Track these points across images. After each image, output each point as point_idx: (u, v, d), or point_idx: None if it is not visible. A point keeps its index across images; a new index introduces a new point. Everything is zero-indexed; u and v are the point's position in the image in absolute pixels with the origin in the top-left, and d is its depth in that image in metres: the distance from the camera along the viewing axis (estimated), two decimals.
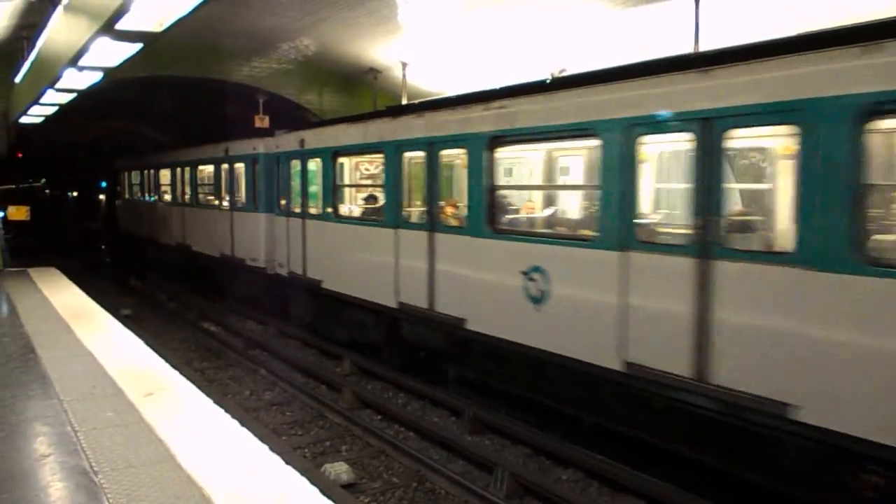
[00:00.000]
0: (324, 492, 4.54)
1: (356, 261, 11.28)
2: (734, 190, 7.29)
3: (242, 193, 15.89)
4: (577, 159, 10.09)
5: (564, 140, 8.87)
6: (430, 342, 10.08)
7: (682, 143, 6.73)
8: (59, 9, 10.11)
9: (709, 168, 6.20)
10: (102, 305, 11.38)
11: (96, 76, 10.69)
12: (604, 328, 7.03)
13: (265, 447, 5.22)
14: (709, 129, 6.18)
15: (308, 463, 7.81)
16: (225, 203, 16.96)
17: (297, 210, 13.29)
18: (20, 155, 31.82)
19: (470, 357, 9.37)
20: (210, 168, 17.98)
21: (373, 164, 12.49)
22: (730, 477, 6.50)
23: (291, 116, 18.26)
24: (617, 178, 6.96)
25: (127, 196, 27.24)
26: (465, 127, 8.91)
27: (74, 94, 13.08)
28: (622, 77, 7.13)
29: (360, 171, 13.08)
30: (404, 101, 17.13)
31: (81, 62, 9.30)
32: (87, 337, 8.83)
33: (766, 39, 6.27)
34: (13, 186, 50.85)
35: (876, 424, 5.08)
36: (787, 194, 6.15)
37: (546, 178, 10.38)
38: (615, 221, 6.97)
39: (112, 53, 8.74)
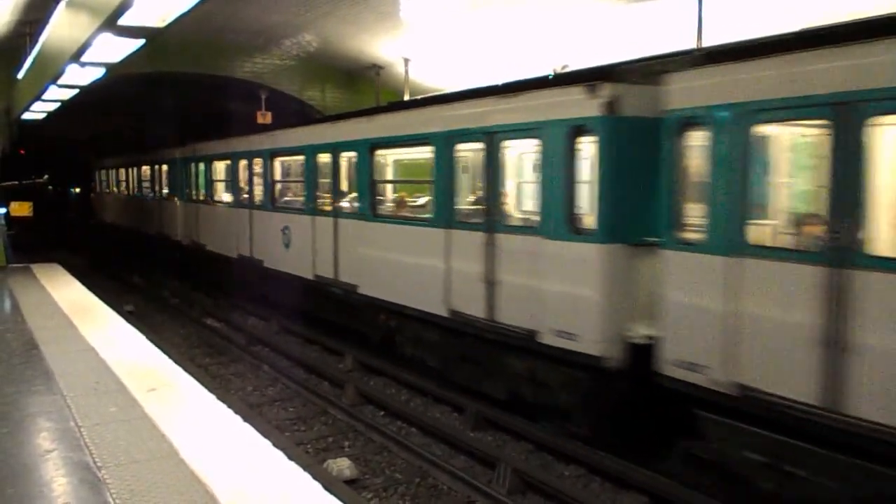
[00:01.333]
0: (326, 487, 4.55)
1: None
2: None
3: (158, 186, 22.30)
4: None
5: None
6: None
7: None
8: (62, 4, 10.12)
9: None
10: (105, 301, 11.41)
11: (98, 72, 10.69)
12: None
13: (268, 443, 5.23)
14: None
15: (311, 459, 7.82)
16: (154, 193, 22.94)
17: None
18: (22, 151, 31.88)
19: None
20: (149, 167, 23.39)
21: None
22: (729, 477, 6.49)
23: (294, 112, 18.26)
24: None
25: (98, 190, 32.98)
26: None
27: (77, 90, 13.09)
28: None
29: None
30: (406, 98, 17.13)
31: (84, 58, 9.31)
32: (90, 333, 8.84)
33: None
34: (16, 183, 50.94)
35: (386, 292, 10.49)
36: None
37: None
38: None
39: (114, 49, 8.74)
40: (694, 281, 6.36)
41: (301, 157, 13.34)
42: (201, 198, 18.59)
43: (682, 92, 6.47)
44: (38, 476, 4.72)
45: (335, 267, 11.88)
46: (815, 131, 6.04)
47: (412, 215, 10.94)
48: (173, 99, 20.60)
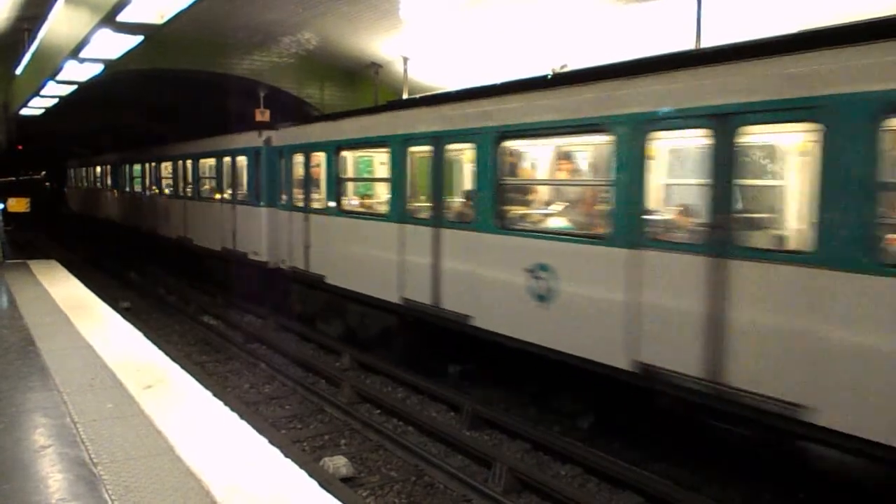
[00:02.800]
0: (322, 485, 4.55)
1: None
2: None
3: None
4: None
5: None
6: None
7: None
8: (60, 0, 10.10)
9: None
10: (102, 298, 11.39)
11: (97, 68, 10.69)
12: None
13: (264, 440, 5.23)
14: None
15: (307, 456, 7.82)
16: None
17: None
18: (20, 147, 31.81)
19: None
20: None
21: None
22: (730, 474, 6.52)
23: (292, 110, 18.25)
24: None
25: (72, 185, 40.48)
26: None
27: (75, 87, 13.07)
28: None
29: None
30: (405, 96, 17.12)
31: (82, 54, 9.31)
32: (86, 329, 8.83)
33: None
34: (13, 179, 50.87)
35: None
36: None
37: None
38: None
39: (113, 45, 8.74)
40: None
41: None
42: (137, 189, 25.57)
43: (279, 138, 14.45)
44: (34, 472, 4.71)
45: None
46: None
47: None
48: (171, 96, 20.59)
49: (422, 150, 10.03)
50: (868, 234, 5.15)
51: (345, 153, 12.30)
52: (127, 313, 12.61)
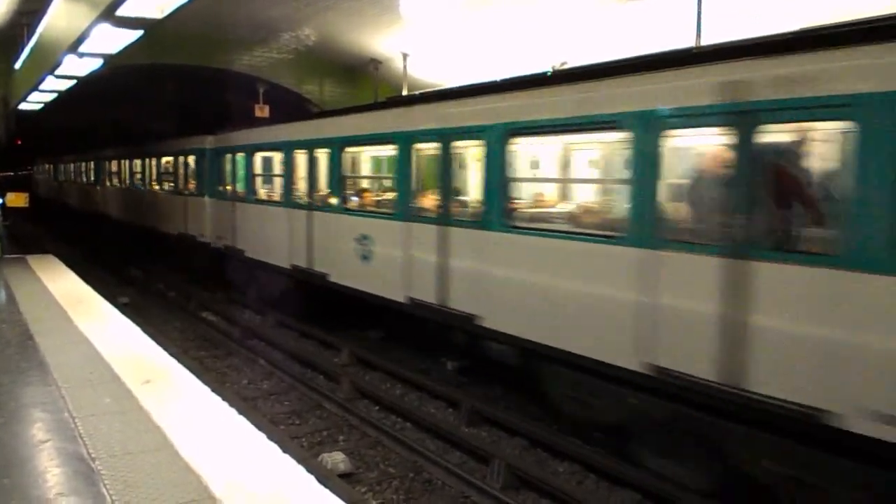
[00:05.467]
0: (321, 481, 4.55)
1: None
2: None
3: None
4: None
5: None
6: None
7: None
8: None
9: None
10: (100, 293, 11.38)
11: (96, 63, 10.68)
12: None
13: (263, 436, 5.23)
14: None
15: (305, 452, 7.82)
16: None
17: None
18: (19, 142, 31.78)
19: None
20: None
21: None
22: (729, 473, 6.52)
23: (292, 106, 18.24)
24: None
25: (42, 176, 48.17)
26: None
27: (74, 81, 13.06)
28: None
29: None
30: (405, 93, 17.10)
31: (82, 49, 9.30)
32: (85, 324, 8.83)
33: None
34: (12, 174, 50.79)
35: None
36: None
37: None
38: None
39: (112, 40, 8.73)
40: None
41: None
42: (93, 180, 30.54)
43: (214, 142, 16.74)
44: (33, 467, 4.72)
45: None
46: None
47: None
48: (170, 91, 20.57)
49: (303, 151, 12.98)
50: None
51: (256, 155, 14.99)
52: (125, 308, 12.60)
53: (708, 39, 9.93)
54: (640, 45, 11.70)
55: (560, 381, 7.83)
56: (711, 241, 5.98)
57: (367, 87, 18.33)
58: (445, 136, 9.09)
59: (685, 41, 10.16)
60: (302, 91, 18.83)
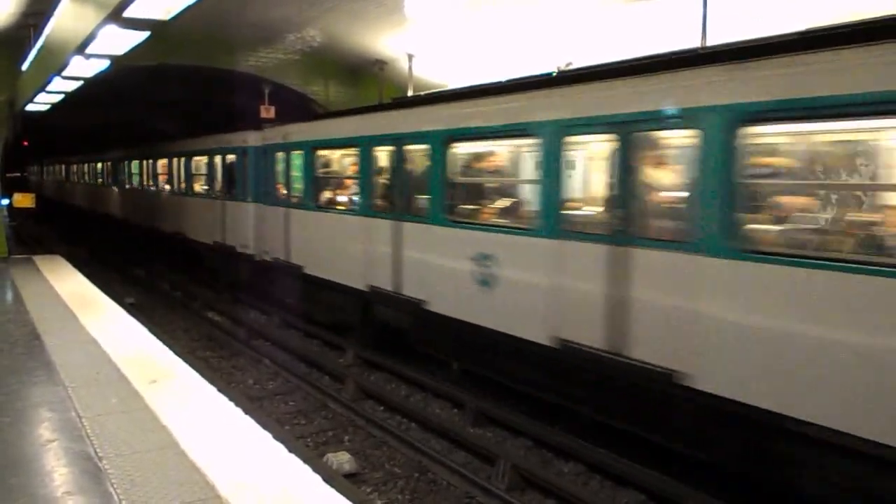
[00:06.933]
0: (326, 480, 4.56)
1: None
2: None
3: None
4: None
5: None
6: None
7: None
8: None
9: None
10: (107, 294, 11.42)
11: (103, 64, 10.71)
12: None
13: (268, 436, 5.25)
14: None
15: (311, 452, 7.84)
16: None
17: None
18: (26, 143, 31.90)
19: None
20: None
21: None
22: (731, 473, 6.51)
23: (297, 107, 18.25)
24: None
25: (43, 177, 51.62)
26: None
27: (81, 82, 13.10)
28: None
29: None
30: (410, 94, 17.10)
31: (88, 50, 9.32)
32: (91, 324, 8.86)
33: None
34: (18, 175, 51.01)
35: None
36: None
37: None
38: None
39: (119, 41, 8.76)
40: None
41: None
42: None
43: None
44: (40, 466, 4.74)
45: None
46: None
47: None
48: (176, 92, 20.59)
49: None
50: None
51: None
52: (132, 308, 12.64)
53: (714, 40, 9.92)
54: (645, 45, 11.69)
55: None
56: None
57: (373, 87, 18.34)
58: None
59: (691, 41, 10.15)
60: (308, 92, 18.84)
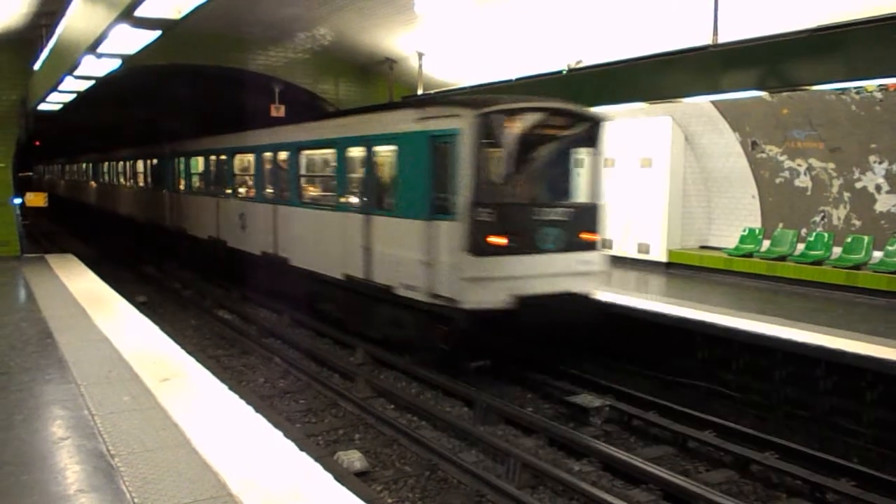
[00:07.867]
0: (337, 479, 4.56)
1: None
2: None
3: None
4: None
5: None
6: None
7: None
8: None
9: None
10: (118, 292, 11.48)
11: (115, 63, 10.72)
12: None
13: (279, 434, 5.26)
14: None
15: (321, 450, 7.84)
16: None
17: None
18: (38, 143, 32.11)
19: None
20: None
21: None
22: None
23: (308, 106, 18.29)
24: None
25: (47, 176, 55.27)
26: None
27: (93, 82, 13.14)
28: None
29: None
30: (420, 92, 17.10)
31: (100, 49, 9.34)
32: (103, 323, 8.91)
33: None
34: (31, 174, 51.39)
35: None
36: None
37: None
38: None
39: (130, 40, 8.76)
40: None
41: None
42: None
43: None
44: (53, 463, 4.77)
45: None
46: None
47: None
48: (187, 91, 20.67)
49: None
50: None
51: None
52: (143, 307, 12.70)
53: (724, 38, 9.87)
54: (655, 42, 11.64)
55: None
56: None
57: (383, 86, 18.36)
58: None
59: (702, 38, 10.10)
60: (317, 91, 18.87)
